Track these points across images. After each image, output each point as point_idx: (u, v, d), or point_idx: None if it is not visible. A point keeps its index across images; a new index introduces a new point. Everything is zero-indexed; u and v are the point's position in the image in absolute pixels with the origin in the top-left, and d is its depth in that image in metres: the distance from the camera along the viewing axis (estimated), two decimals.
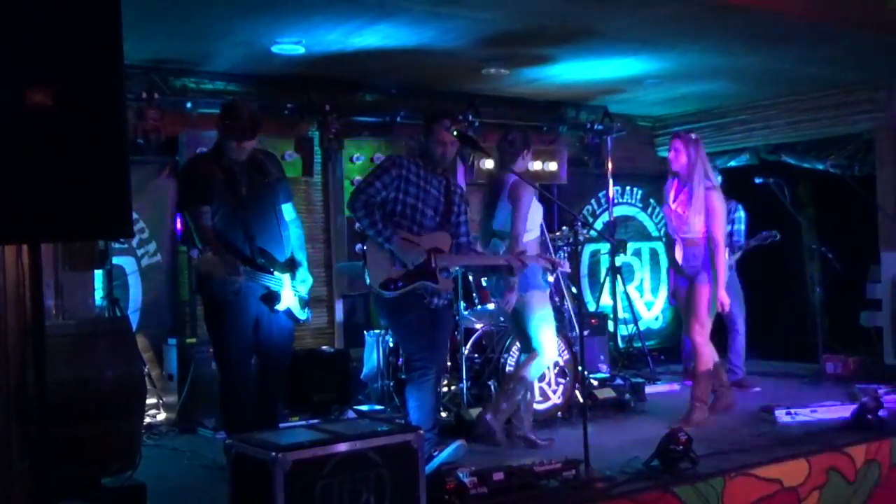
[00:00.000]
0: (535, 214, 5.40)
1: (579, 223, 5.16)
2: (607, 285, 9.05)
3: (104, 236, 3.85)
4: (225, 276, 4.53)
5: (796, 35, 6.57)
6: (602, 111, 9.25)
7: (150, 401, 6.23)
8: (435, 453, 4.72)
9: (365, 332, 7.01)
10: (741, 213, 7.52)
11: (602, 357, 7.46)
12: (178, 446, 5.76)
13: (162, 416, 6.52)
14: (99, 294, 6.31)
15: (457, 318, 6.06)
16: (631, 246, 9.73)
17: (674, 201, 5.94)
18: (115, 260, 6.65)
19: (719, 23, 6.20)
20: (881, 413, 5.57)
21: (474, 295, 6.30)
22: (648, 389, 7.04)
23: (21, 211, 2.68)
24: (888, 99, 8.21)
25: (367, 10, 5.63)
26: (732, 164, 9.43)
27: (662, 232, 9.52)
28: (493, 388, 5.95)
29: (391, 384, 6.47)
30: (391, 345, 6.50)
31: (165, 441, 5.98)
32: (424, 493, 3.77)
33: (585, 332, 5.54)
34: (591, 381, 6.73)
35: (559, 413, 6.18)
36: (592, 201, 9.60)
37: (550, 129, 9.05)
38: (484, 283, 6.26)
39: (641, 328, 9.10)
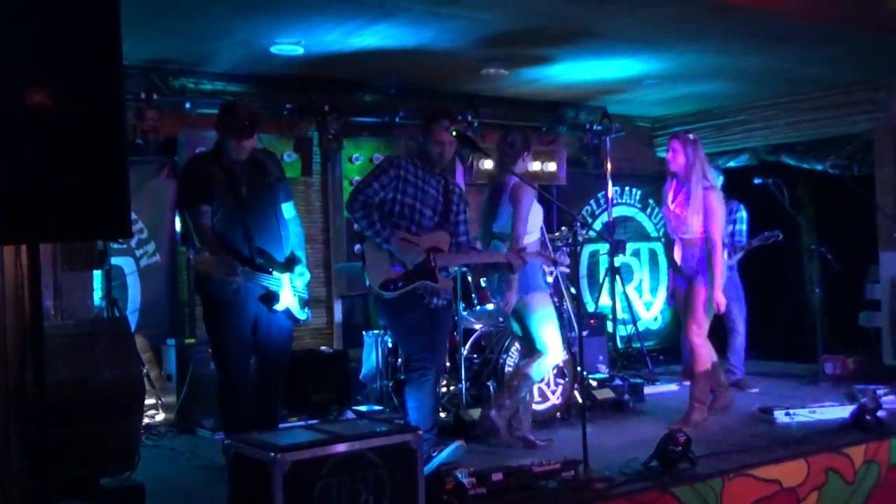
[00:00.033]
0: (535, 216, 5.40)
1: (578, 223, 5.16)
2: (606, 286, 9.05)
3: (103, 236, 3.84)
4: (222, 277, 4.53)
5: (796, 35, 6.57)
6: (601, 112, 9.25)
7: (149, 401, 6.23)
8: (434, 454, 4.72)
9: (364, 332, 7.02)
10: (743, 213, 7.51)
11: (601, 357, 7.46)
12: (176, 447, 5.76)
13: (161, 416, 6.51)
14: (98, 294, 6.31)
15: (456, 318, 6.06)
16: (630, 246, 9.73)
17: (672, 202, 5.94)
18: (114, 260, 6.64)
19: (719, 23, 6.20)
20: (880, 414, 5.58)
21: (473, 296, 6.29)
22: (647, 390, 7.05)
23: (20, 211, 2.68)
24: (888, 99, 8.22)
25: (367, 10, 5.63)
26: (732, 164, 9.43)
27: (661, 232, 9.53)
28: (491, 388, 5.95)
29: (390, 385, 6.47)
30: (390, 345, 6.50)
31: (164, 441, 5.98)
32: (423, 493, 3.77)
33: (584, 333, 5.54)
34: (590, 381, 6.73)
35: (558, 413, 6.18)
36: (591, 202, 9.61)
37: (549, 130, 9.06)
38: (483, 284, 6.26)
39: (640, 329, 9.10)
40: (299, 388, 6.44)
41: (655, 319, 10.03)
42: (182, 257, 7.00)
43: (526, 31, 6.24)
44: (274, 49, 6.46)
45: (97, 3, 2.78)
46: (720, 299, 5.78)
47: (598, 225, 9.40)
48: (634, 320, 9.02)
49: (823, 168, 8.97)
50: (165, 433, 6.20)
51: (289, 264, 4.85)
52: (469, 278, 6.26)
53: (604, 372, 7.33)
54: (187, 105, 7.06)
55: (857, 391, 6.59)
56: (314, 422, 5.88)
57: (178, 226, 6.93)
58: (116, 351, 4.36)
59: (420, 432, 3.84)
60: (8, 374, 3.71)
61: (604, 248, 9.40)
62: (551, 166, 8.72)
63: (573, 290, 6.70)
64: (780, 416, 5.98)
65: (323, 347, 7.40)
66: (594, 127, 9.17)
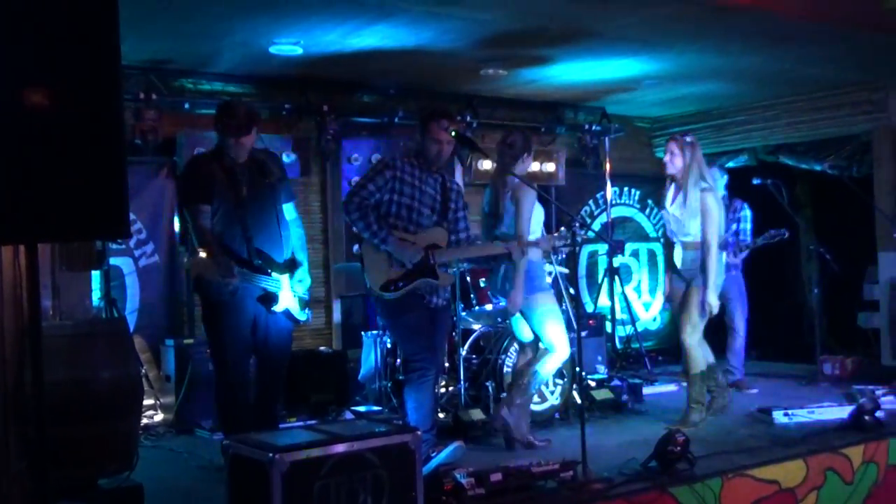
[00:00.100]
0: (536, 216, 5.40)
1: (577, 224, 5.16)
2: (605, 286, 9.05)
3: (101, 237, 3.84)
4: (217, 279, 4.52)
5: (796, 35, 6.57)
6: (600, 112, 9.26)
7: (148, 402, 6.22)
8: (433, 454, 4.72)
9: (363, 332, 7.01)
10: (747, 212, 7.49)
11: (600, 358, 7.45)
12: (175, 447, 5.76)
13: (159, 416, 6.50)
14: (96, 295, 6.30)
15: (454, 319, 6.06)
16: (629, 247, 9.73)
17: (671, 204, 5.93)
18: (113, 261, 6.64)
19: (719, 23, 6.20)
20: (878, 414, 5.58)
21: (472, 296, 6.29)
22: (646, 390, 7.04)
23: (18, 211, 2.68)
24: (887, 100, 8.22)
25: (366, 10, 5.63)
26: (731, 164, 9.42)
27: (660, 233, 9.52)
28: (490, 389, 5.95)
29: (389, 385, 6.46)
30: (389, 345, 6.49)
31: (163, 442, 5.98)
32: (422, 493, 3.77)
33: (583, 333, 5.54)
34: (589, 382, 6.72)
35: (557, 414, 6.18)
36: (590, 202, 9.61)
37: (548, 130, 9.06)
38: (482, 284, 6.26)
39: (639, 329, 9.09)
40: (298, 389, 6.44)
41: (654, 320, 10.03)
42: (181, 258, 6.99)
43: (525, 32, 6.24)
44: (273, 49, 6.46)
45: (96, 3, 2.78)
46: (713, 301, 5.77)
47: (596, 225, 9.39)
48: (633, 321, 9.01)
49: (822, 169, 8.98)
50: (164, 434, 6.20)
51: (288, 266, 4.84)
52: (468, 279, 6.26)
53: (602, 372, 7.32)
54: (186, 105, 7.06)
55: (856, 392, 6.60)
56: (313, 422, 5.87)
57: (177, 226, 6.94)
58: (115, 351, 4.36)
59: (419, 433, 3.84)
60: (6, 374, 3.71)
61: (603, 248, 9.39)
62: (550, 167, 8.72)
63: (572, 291, 6.70)
64: (778, 416, 5.98)
65: (322, 348, 7.39)
66: (593, 127, 9.17)
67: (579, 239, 5.24)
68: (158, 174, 7.04)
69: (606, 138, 9.12)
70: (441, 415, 5.78)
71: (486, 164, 7.93)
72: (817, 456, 5.04)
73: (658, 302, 9.99)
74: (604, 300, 9.15)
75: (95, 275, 6.22)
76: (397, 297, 4.75)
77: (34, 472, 3.16)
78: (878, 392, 6.48)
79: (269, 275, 4.72)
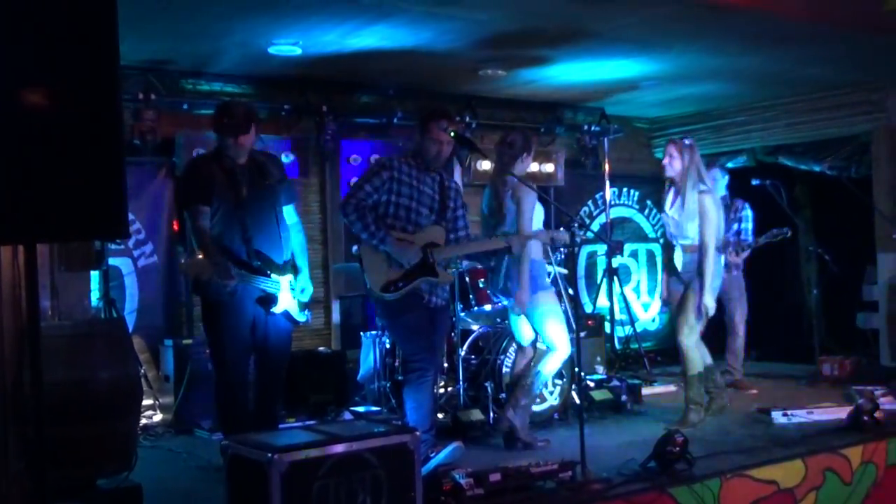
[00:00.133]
0: (537, 216, 5.40)
1: (576, 224, 5.16)
2: (604, 287, 9.05)
3: (100, 237, 3.85)
4: (214, 280, 4.52)
5: (795, 35, 6.58)
6: (599, 112, 9.25)
7: (147, 402, 6.21)
8: (432, 454, 4.72)
9: (362, 333, 7.01)
10: (748, 212, 7.48)
11: (599, 358, 7.46)
12: (174, 447, 5.76)
13: (158, 417, 6.50)
14: (95, 295, 6.29)
15: (454, 319, 6.06)
16: (628, 247, 9.73)
17: (670, 207, 5.93)
18: (112, 261, 6.63)
19: (718, 23, 6.20)
20: (877, 415, 5.58)
21: (471, 296, 6.29)
22: (645, 391, 7.04)
23: (17, 211, 2.68)
24: (886, 100, 8.22)
25: (365, 11, 5.63)
26: (730, 165, 9.40)
27: (659, 234, 9.53)
28: (489, 389, 5.94)
29: (388, 385, 6.45)
30: (388, 346, 6.49)
31: (162, 442, 5.98)
32: (421, 494, 3.76)
33: (582, 334, 5.54)
34: (588, 382, 6.72)
35: (556, 414, 6.18)
36: (589, 203, 9.61)
37: (547, 131, 9.05)
38: (481, 285, 6.26)
39: (638, 330, 9.10)
40: (297, 389, 6.44)
41: (653, 320, 10.03)
42: (180, 258, 6.99)
43: (524, 32, 6.24)
44: (272, 49, 6.46)
45: (96, 3, 2.78)
46: (710, 303, 5.77)
47: (595, 226, 9.39)
48: (632, 321, 9.02)
49: (821, 169, 8.98)
50: (163, 434, 6.20)
51: (288, 268, 4.82)
52: (467, 279, 6.26)
53: (601, 373, 7.32)
54: (185, 106, 7.06)
55: (855, 392, 6.60)
56: (312, 422, 5.87)
57: (177, 226, 6.94)
58: (114, 352, 4.36)
59: (418, 433, 3.84)
60: (5, 374, 3.71)
61: (602, 249, 9.39)
62: (549, 167, 8.72)
63: (571, 291, 6.70)
64: (777, 416, 5.98)
65: (321, 348, 7.39)
66: (592, 128, 9.17)
67: (578, 239, 5.23)
68: (157, 174, 7.04)
69: (605, 139, 9.13)
70: (440, 415, 5.77)
71: (485, 165, 7.93)
72: (816, 456, 5.04)
73: (657, 303, 9.99)
74: (603, 301, 9.16)
75: (94, 275, 6.21)
76: (397, 298, 4.74)
77: (33, 472, 3.16)
78: (877, 392, 6.47)
79: (269, 276, 4.71)
